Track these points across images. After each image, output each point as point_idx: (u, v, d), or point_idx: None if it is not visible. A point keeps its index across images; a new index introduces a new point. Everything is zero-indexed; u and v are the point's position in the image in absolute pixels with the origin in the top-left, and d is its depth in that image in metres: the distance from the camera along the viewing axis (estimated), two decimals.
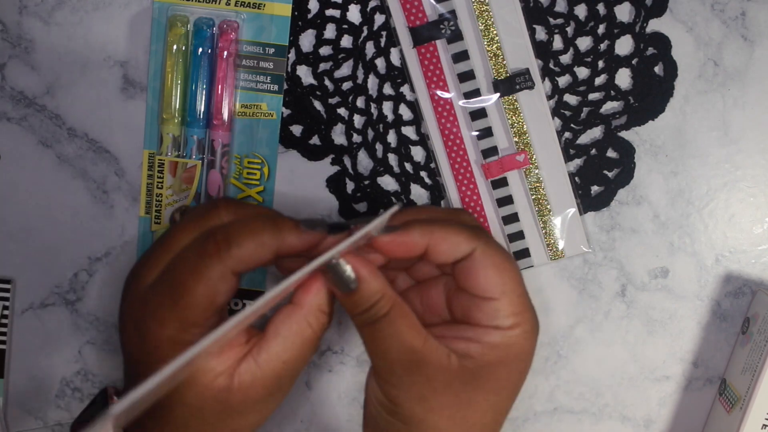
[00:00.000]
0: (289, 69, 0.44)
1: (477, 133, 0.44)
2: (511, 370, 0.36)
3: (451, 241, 0.34)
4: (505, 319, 0.35)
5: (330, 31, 0.44)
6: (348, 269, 0.33)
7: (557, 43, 0.44)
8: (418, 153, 0.45)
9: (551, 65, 0.44)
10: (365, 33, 0.44)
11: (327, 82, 0.45)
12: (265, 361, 0.34)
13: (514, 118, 0.44)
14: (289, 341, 0.34)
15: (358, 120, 0.45)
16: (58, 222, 0.45)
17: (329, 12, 0.44)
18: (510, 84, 0.43)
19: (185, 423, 0.34)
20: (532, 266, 0.45)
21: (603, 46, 0.45)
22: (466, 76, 0.43)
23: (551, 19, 0.44)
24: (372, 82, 0.45)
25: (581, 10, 0.44)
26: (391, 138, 0.45)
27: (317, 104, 0.45)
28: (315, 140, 0.45)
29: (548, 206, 0.45)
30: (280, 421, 0.47)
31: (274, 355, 0.34)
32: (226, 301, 0.34)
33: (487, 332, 0.35)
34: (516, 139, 0.44)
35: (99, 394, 0.39)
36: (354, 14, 0.44)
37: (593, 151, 0.45)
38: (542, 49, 0.44)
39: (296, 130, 0.45)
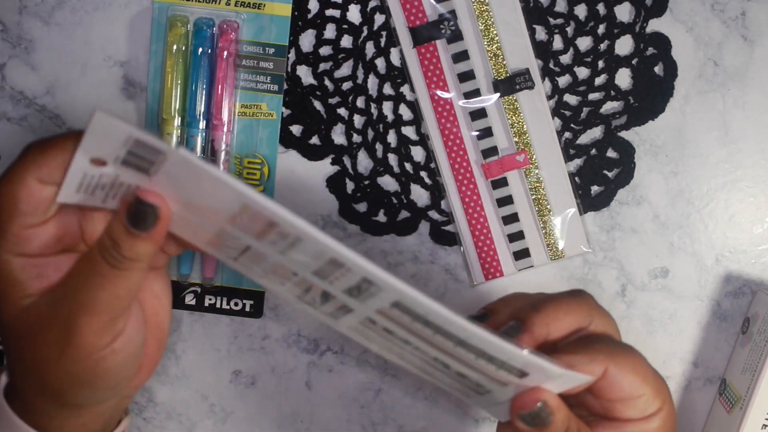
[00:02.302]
0: (289, 69, 0.44)
1: (477, 133, 0.44)
2: None
3: (631, 379, 0.33)
4: (653, 403, 0.34)
5: (330, 31, 0.44)
6: (541, 406, 0.31)
7: (557, 43, 0.44)
8: (418, 153, 0.45)
9: (551, 65, 0.44)
10: (365, 33, 0.44)
11: (327, 82, 0.45)
12: (58, 287, 0.33)
13: (514, 118, 0.44)
14: (81, 259, 0.33)
15: (358, 120, 0.45)
16: None
17: (329, 12, 0.44)
18: (510, 84, 0.43)
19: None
20: (532, 266, 0.45)
21: (603, 46, 0.45)
22: (466, 76, 0.43)
23: (551, 19, 0.44)
24: (372, 82, 0.45)
25: (581, 10, 0.44)
26: (391, 138, 0.45)
27: (317, 104, 0.45)
28: (315, 140, 0.45)
29: (548, 206, 0.45)
30: (280, 421, 0.48)
31: (66, 278, 0.33)
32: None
33: (646, 422, 0.34)
34: (516, 139, 0.44)
35: None
36: (354, 14, 0.44)
37: (593, 151, 0.45)
38: (542, 49, 0.44)
39: (296, 130, 0.45)
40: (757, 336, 0.44)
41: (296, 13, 0.44)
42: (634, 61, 0.45)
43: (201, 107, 0.43)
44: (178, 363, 0.47)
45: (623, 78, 0.45)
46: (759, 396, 0.42)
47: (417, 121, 0.45)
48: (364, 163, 0.45)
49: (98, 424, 0.37)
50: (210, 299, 0.46)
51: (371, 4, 0.44)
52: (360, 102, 0.45)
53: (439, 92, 0.44)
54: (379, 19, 0.44)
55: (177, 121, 0.43)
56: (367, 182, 0.45)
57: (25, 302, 0.34)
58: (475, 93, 0.44)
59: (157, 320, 0.38)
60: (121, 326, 0.34)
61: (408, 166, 0.45)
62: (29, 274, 0.34)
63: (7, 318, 0.34)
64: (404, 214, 0.46)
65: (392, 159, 0.45)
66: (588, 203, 0.45)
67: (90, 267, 0.33)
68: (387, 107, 0.45)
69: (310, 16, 0.44)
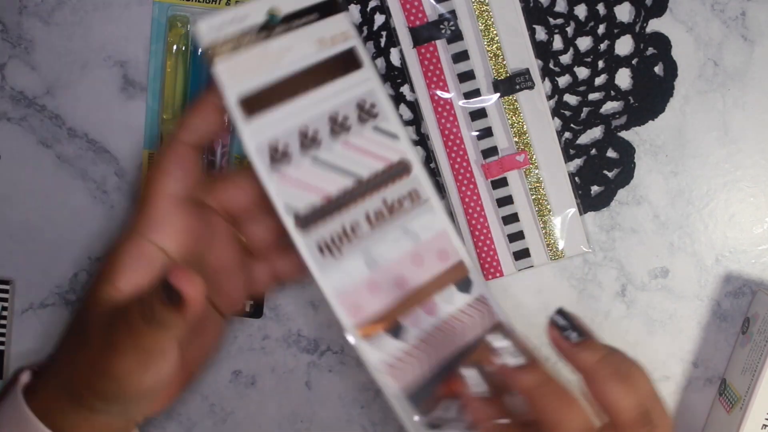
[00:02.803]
0: None
1: (477, 133, 0.44)
2: None
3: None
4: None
5: None
6: None
7: (557, 43, 0.44)
8: (418, 153, 0.45)
9: (551, 65, 0.44)
10: (365, 33, 0.44)
11: None
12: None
13: (514, 118, 0.44)
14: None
15: None
16: (58, 222, 0.45)
17: None
18: (510, 84, 0.43)
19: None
20: (532, 266, 0.45)
21: (603, 46, 0.45)
22: (466, 76, 0.43)
23: (551, 19, 0.44)
24: None
25: (581, 10, 0.44)
26: None
27: None
28: None
29: (548, 206, 0.45)
30: (280, 421, 0.47)
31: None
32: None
33: None
34: (516, 139, 0.44)
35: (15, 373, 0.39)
36: (354, 14, 0.44)
37: (593, 151, 0.45)
38: (542, 49, 0.44)
39: None
40: (757, 336, 0.44)
41: None
42: (634, 61, 0.45)
43: None
44: None
45: (623, 78, 0.45)
46: (759, 396, 0.42)
47: (417, 121, 0.45)
48: None
49: None
50: None
51: (371, 4, 0.44)
52: None
53: (439, 92, 0.44)
54: (379, 19, 0.44)
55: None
56: None
57: (117, 296, 0.34)
58: (475, 93, 0.44)
59: (196, 359, 0.39)
60: (154, 367, 0.34)
61: None
62: (139, 268, 0.35)
63: (104, 303, 0.34)
64: None
65: None
66: (588, 203, 0.45)
67: (129, 315, 0.33)
68: None
69: None
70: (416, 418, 0.34)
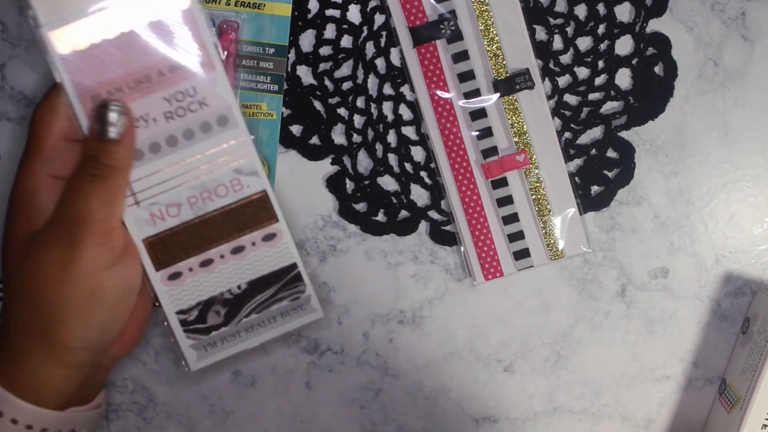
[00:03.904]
0: (289, 69, 0.44)
1: (477, 133, 0.44)
2: None
3: None
4: None
5: (330, 31, 0.44)
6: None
7: (557, 43, 0.44)
8: (418, 153, 0.45)
9: (551, 65, 0.44)
10: (365, 33, 0.44)
11: (327, 82, 0.45)
12: (55, 209, 0.37)
13: (514, 118, 0.44)
14: (71, 178, 0.37)
15: (358, 120, 0.45)
16: None
17: (329, 12, 0.44)
18: (510, 84, 0.43)
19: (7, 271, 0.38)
20: (532, 266, 0.45)
21: (603, 46, 0.45)
22: (466, 76, 0.43)
23: (551, 19, 0.44)
24: (372, 82, 0.45)
25: (581, 10, 0.44)
26: (391, 138, 0.45)
27: (317, 104, 0.45)
28: (315, 140, 0.45)
29: (548, 206, 0.45)
30: (280, 421, 0.48)
31: (61, 199, 0.37)
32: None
33: None
34: (516, 139, 0.44)
35: None
36: (354, 14, 0.44)
37: (593, 151, 0.45)
38: (542, 49, 0.44)
39: (296, 130, 0.45)
40: (757, 336, 0.44)
41: (296, 13, 0.44)
42: (634, 61, 0.45)
43: None
44: (177, 363, 0.47)
45: (623, 78, 0.45)
46: (759, 396, 0.42)
47: (417, 121, 0.45)
48: (364, 163, 0.45)
49: (77, 382, 0.38)
50: None
51: (371, 4, 0.44)
52: (360, 102, 0.45)
53: (439, 92, 0.44)
54: (379, 19, 0.44)
55: None
56: (367, 182, 0.45)
57: (39, 225, 0.36)
58: (475, 93, 0.44)
59: (146, 294, 0.40)
60: (118, 246, 0.37)
61: (408, 166, 0.45)
62: (50, 197, 0.37)
63: (17, 242, 0.37)
64: (404, 213, 0.46)
65: (392, 159, 0.45)
66: (588, 203, 0.46)
67: (80, 182, 0.36)
68: (387, 107, 0.45)
69: (310, 16, 0.44)
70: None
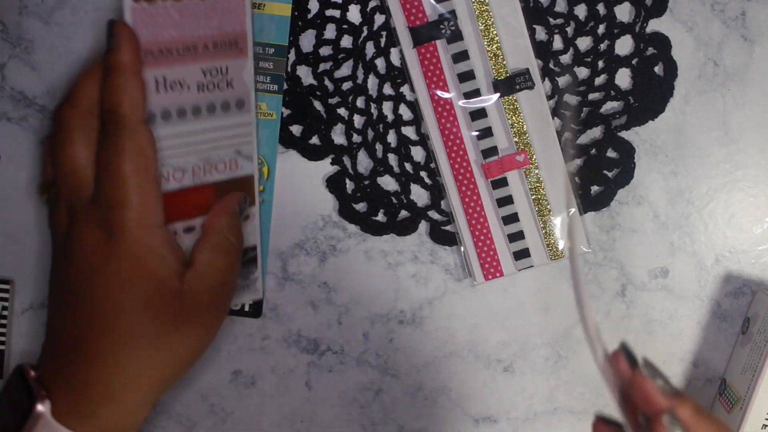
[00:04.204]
0: (289, 69, 0.44)
1: (477, 133, 0.44)
2: None
3: None
4: None
5: (330, 31, 0.44)
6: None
7: (557, 43, 0.44)
8: (418, 153, 0.45)
9: (551, 65, 0.44)
10: (365, 33, 0.44)
11: (327, 82, 0.44)
12: (203, 268, 0.37)
13: (514, 118, 0.44)
14: (213, 252, 0.38)
15: (358, 120, 0.45)
16: None
17: (329, 12, 0.44)
18: (510, 84, 0.43)
19: (143, 329, 0.36)
20: (532, 266, 0.45)
21: (603, 46, 0.45)
22: (466, 76, 0.43)
23: (551, 19, 0.44)
24: (372, 82, 0.45)
25: (581, 10, 0.44)
26: (391, 138, 0.45)
27: (317, 104, 0.45)
28: (315, 140, 0.45)
29: (548, 206, 0.45)
30: (280, 421, 0.48)
31: (206, 263, 0.38)
32: None
33: None
34: (516, 139, 0.44)
35: (14, 372, 0.39)
36: (354, 14, 0.44)
37: (593, 151, 0.45)
38: (542, 49, 0.44)
39: (296, 130, 0.45)
40: (757, 336, 0.44)
41: (296, 13, 0.44)
42: (634, 61, 0.45)
43: None
44: None
45: (623, 78, 0.45)
46: (759, 396, 0.42)
47: (417, 121, 0.45)
48: (364, 163, 0.45)
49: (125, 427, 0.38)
50: None
51: (371, 4, 0.44)
52: (360, 102, 0.45)
53: (439, 92, 0.44)
54: (379, 19, 0.44)
55: None
56: (367, 182, 0.45)
57: (175, 282, 0.36)
58: (475, 93, 0.44)
59: None
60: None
61: (408, 166, 0.45)
62: (168, 248, 0.37)
63: (162, 301, 0.36)
64: (404, 213, 0.46)
65: (392, 159, 0.45)
66: (588, 203, 0.45)
67: (232, 262, 0.39)
68: (387, 107, 0.45)
69: (310, 16, 0.44)
70: None
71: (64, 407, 0.35)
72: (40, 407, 0.35)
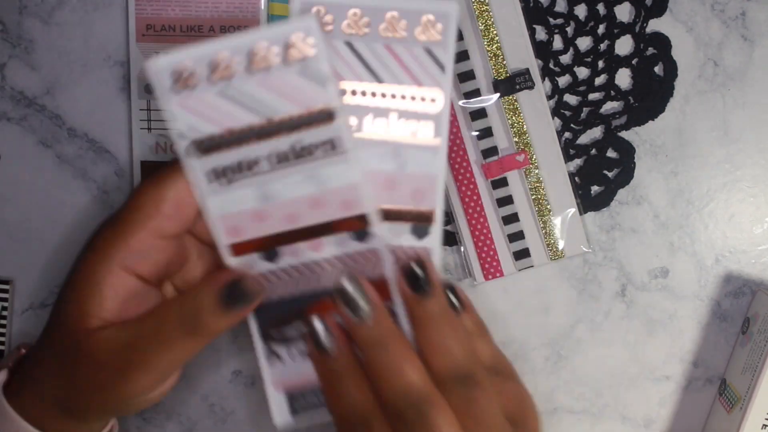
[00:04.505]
0: None
1: (477, 133, 0.44)
2: None
3: None
4: None
5: None
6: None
7: (557, 43, 0.44)
8: None
9: (551, 65, 0.44)
10: None
11: None
12: (128, 330, 0.33)
13: (514, 118, 0.44)
14: (163, 318, 0.33)
15: None
16: (58, 222, 0.45)
17: None
18: (510, 84, 0.43)
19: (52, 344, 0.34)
20: (532, 266, 0.45)
21: (603, 46, 0.45)
22: (466, 76, 0.43)
23: (551, 19, 0.44)
24: None
25: (581, 10, 0.44)
26: None
27: None
28: None
29: (548, 206, 0.45)
30: None
31: (139, 329, 0.33)
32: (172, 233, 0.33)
33: None
34: (516, 139, 0.44)
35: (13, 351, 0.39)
36: None
37: (593, 151, 0.45)
38: (542, 49, 0.44)
39: None
40: (757, 336, 0.44)
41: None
42: (634, 61, 0.45)
43: None
44: None
45: (623, 78, 0.45)
46: (759, 396, 0.42)
47: None
48: None
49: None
50: None
51: None
52: None
53: None
54: None
55: None
56: None
57: (94, 323, 0.33)
58: (475, 93, 0.44)
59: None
60: (167, 384, 0.35)
61: None
62: (117, 293, 0.33)
63: (66, 331, 0.34)
64: None
65: None
66: (588, 203, 0.45)
67: (164, 329, 0.32)
68: None
69: None
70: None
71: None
72: None
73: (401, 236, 0.34)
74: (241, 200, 0.33)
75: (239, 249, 0.33)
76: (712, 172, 0.46)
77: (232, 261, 0.33)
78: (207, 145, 0.32)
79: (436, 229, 0.34)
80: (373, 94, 0.33)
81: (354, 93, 0.33)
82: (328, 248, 0.34)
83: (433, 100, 0.33)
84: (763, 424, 0.42)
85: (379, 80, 0.33)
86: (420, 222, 0.34)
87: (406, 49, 0.33)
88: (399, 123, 0.33)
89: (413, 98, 0.33)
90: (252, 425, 0.47)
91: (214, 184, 0.33)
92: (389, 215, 0.34)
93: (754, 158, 0.46)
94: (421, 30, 0.33)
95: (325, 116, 0.32)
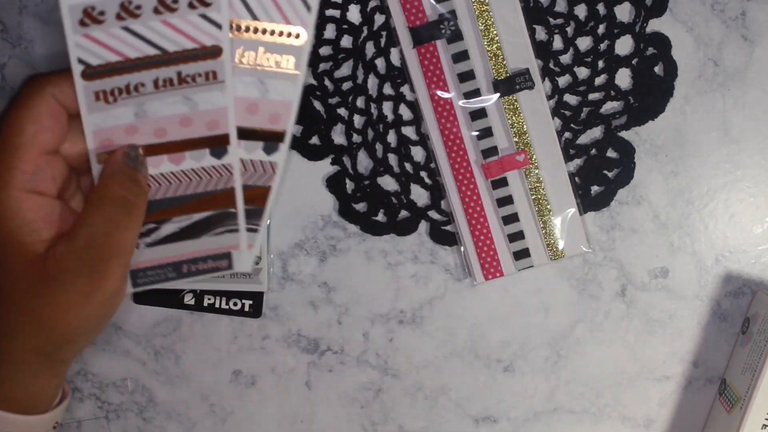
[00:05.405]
0: None
1: (477, 133, 0.44)
2: None
3: None
4: None
5: (330, 31, 0.44)
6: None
7: (557, 43, 0.44)
8: (418, 153, 0.45)
9: (551, 65, 0.44)
10: (365, 33, 0.44)
11: (327, 82, 0.45)
12: (74, 229, 0.35)
13: (514, 118, 0.44)
14: (90, 209, 0.36)
15: (358, 120, 0.45)
16: None
17: (329, 12, 0.44)
18: (510, 84, 0.43)
19: (3, 292, 0.35)
20: (532, 266, 0.45)
21: (603, 46, 0.45)
22: (466, 76, 0.43)
23: (551, 19, 0.44)
24: (372, 82, 0.45)
25: (581, 10, 0.44)
26: (391, 138, 0.45)
27: (317, 104, 0.45)
28: (315, 140, 0.45)
29: (548, 206, 0.45)
30: (280, 421, 0.48)
31: (80, 223, 0.35)
32: (54, 145, 0.36)
33: None
34: (516, 139, 0.44)
35: None
36: (354, 14, 0.44)
37: (593, 151, 0.45)
38: (542, 49, 0.44)
39: (296, 130, 0.45)
40: (757, 336, 0.44)
41: None
42: (634, 61, 0.45)
43: None
44: (177, 363, 0.47)
45: (623, 78, 0.45)
46: (759, 396, 0.42)
47: (417, 121, 0.45)
48: (364, 163, 0.45)
49: (61, 384, 0.39)
50: (209, 299, 0.46)
51: (371, 4, 0.44)
52: (360, 102, 0.45)
53: (439, 92, 0.44)
54: (379, 19, 0.44)
55: None
56: (367, 182, 0.45)
57: (40, 248, 0.35)
58: (475, 93, 0.44)
59: None
60: (123, 292, 0.37)
61: (408, 166, 0.45)
62: (41, 215, 0.35)
63: (20, 265, 0.35)
64: (404, 214, 0.46)
65: (392, 159, 0.45)
66: (588, 203, 0.45)
67: (112, 215, 0.36)
68: (387, 107, 0.45)
69: None
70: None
71: None
72: None
73: (254, 152, 0.39)
74: (119, 116, 0.37)
75: (102, 157, 0.38)
76: (712, 172, 0.46)
77: (97, 168, 0.38)
78: (100, 71, 0.36)
79: (285, 147, 0.40)
80: (247, 29, 0.38)
81: (230, 27, 0.37)
82: (186, 162, 0.39)
83: (297, 36, 0.38)
84: (763, 424, 0.42)
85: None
86: (272, 140, 0.40)
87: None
88: (265, 56, 0.38)
89: (281, 33, 0.38)
90: (252, 425, 0.48)
91: (100, 102, 0.37)
92: (246, 134, 0.39)
93: (754, 158, 0.46)
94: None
95: (214, 52, 0.37)
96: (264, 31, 0.38)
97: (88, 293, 0.35)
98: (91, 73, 0.36)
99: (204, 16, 0.36)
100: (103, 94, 0.36)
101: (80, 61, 0.35)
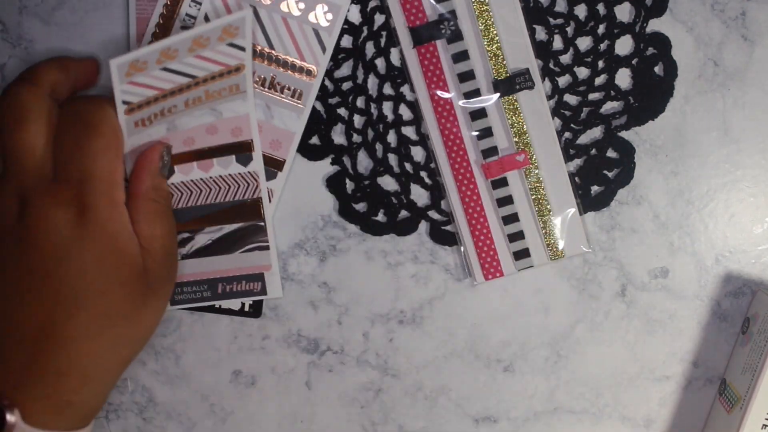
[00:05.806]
0: None
1: (477, 133, 0.44)
2: None
3: None
4: None
5: None
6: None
7: (557, 43, 0.44)
8: (418, 153, 0.45)
9: (551, 65, 0.44)
10: (365, 33, 0.44)
11: (327, 82, 0.45)
12: (147, 242, 0.38)
13: (514, 118, 0.44)
14: (148, 222, 0.38)
15: (358, 120, 0.45)
16: None
17: None
18: (510, 84, 0.43)
19: (117, 307, 0.36)
20: (532, 266, 0.45)
21: (603, 46, 0.45)
22: (466, 76, 0.43)
23: (551, 19, 0.44)
24: (372, 82, 0.45)
25: (581, 10, 0.44)
26: (391, 138, 0.45)
27: (317, 104, 0.45)
28: (315, 140, 0.45)
29: (548, 206, 0.45)
30: (280, 421, 0.48)
31: (149, 236, 0.38)
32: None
33: None
34: (516, 139, 0.44)
35: None
36: (354, 14, 0.44)
37: (593, 151, 0.45)
38: (542, 49, 0.44)
39: None
40: (757, 336, 0.44)
41: None
42: (634, 61, 0.45)
43: None
44: (177, 363, 0.47)
45: (623, 78, 0.45)
46: (759, 396, 0.42)
47: (417, 121, 0.45)
48: (364, 163, 0.45)
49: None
50: None
51: (371, 4, 0.44)
52: (360, 102, 0.45)
53: (439, 92, 0.44)
54: (379, 19, 0.44)
55: None
56: (367, 182, 0.45)
57: (140, 259, 0.37)
58: (475, 93, 0.44)
59: None
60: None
61: (408, 166, 0.45)
62: (131, 227, 0.38)
63: (133, 277, 0.37)
64: (404, 213, 0.46)
65: (392, 159, 0.45)
66: (588, 203, 0.45)
67: (155, 206, 0.39)
68: (387, 107, 0.45)
69: None
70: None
71: (38, 405, 0.34)
72: (10, 418, 0.34)
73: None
74: (153, 134, 0.40)
75: None
76: (712, 172, 0.46)
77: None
78: (140, 104, 0.38)
79: (282, 175, 0.43)
80: (262, 55, 0.41)
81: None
82: (214, 169, 0.42)
83: (309, 72, 0.42)
84: (763, 424, 0.42)
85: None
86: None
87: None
88: (276, 83, 0.42)
89: (293, 67, 0.42)
90: (252, 425, 0.48)
91: (138, 128, 0.39)
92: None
93: (754, 158, 0.46)
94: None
95: (236, 69, 0.40)
96: (278, 61, 0.41)
97: (166, 298, 0.39)
98: (132, 108, 0.38)
99: (231, 44, 0.39)
100: (141, 122, 0.39)
101: (125, 102, 0.38)
